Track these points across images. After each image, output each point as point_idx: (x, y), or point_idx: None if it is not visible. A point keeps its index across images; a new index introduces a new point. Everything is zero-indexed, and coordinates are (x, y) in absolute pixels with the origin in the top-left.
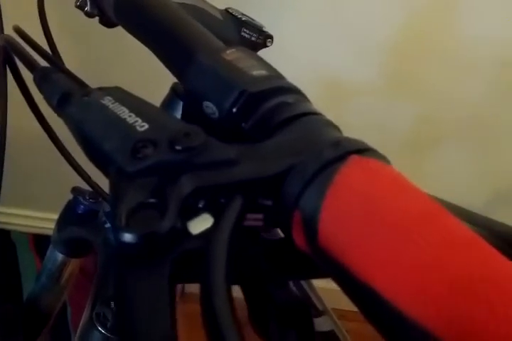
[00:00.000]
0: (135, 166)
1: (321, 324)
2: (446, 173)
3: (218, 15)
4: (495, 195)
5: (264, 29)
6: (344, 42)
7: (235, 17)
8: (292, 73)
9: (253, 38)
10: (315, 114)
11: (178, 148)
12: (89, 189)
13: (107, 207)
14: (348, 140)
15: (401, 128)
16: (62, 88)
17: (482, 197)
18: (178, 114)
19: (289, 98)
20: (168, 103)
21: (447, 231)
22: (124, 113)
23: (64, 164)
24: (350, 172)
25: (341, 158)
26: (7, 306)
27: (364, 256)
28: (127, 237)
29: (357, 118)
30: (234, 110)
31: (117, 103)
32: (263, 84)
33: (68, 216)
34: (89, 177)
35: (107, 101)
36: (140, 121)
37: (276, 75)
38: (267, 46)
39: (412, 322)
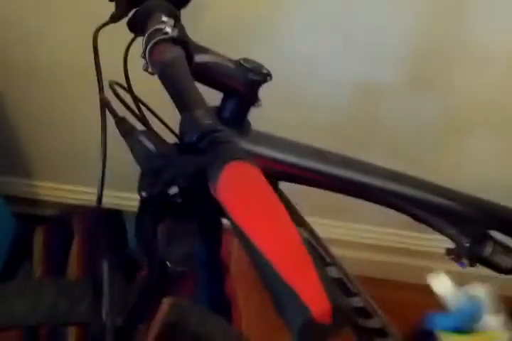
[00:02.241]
0: None
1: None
2: (473, 159)
3: (232, 65)
4: None
5: (264, 70)
6: (367, 52)
7: (244, 66)
8: (329, 83)
9: (256, 79)
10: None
11: None
12: None
13: None
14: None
15: (428, 121)
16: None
17: (509, 179)
18: None
19: None
20: None
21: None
22: None
23: None
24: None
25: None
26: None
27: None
28: None
29: (388, 116)
30: None
31: None
32: None
33: None
34: None
35: None
36: None
37: None
38: (267, 82)
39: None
